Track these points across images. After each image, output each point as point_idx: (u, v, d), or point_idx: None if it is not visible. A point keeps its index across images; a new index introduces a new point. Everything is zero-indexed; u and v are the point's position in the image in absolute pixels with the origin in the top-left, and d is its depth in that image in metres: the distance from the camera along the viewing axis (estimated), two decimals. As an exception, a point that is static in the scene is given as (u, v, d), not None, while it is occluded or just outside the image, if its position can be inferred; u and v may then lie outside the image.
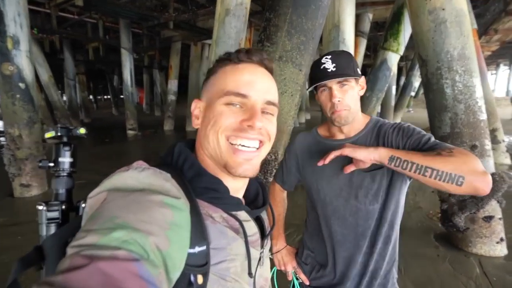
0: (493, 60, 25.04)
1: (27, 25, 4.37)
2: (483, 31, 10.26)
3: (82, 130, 0.68)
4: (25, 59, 4.33)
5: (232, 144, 0.55)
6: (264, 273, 0.65)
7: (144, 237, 0.36)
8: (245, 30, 3.94)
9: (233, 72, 0.57)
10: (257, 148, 0.57)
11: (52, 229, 0.58)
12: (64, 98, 15.43)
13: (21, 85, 4.31)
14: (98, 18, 11.13)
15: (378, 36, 10.91)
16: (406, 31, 6.01)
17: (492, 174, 2.73)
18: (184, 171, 0.55)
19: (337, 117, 0.97)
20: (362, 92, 1.02)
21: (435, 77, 2.90)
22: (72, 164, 0.65)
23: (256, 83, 0.56)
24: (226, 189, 0.56)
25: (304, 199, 1.22)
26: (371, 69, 6.51)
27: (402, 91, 12.61)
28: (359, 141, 1.02)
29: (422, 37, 2.94)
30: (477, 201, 2.68)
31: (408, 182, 1.00)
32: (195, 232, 0.47)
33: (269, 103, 0.57)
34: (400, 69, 16.47)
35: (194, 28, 10.66)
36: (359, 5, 6.87)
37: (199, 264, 0.47)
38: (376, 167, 0.96)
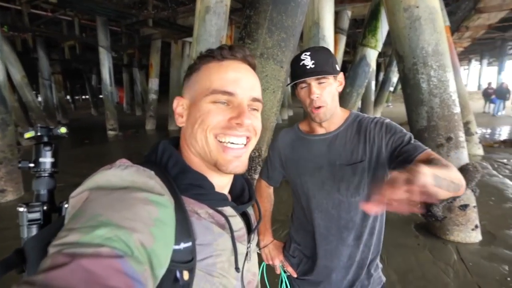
0: (465, 56, 26.08)
1: (-5, 22, 4.17)
2: (455, 28, 10.69)
3: (63, 130, 0.67)
4: (-6, 59, 4.14)
5: (220, 141, 0.55)
6: (252, 268, 0.66)
7: (128, 234, 0.35)
8: (226, 28, 3.93)
9: (217, 69, 0.56)
10: (245, 145, 0.58)
11: (34, 231, 0.58)
12: (39, 98, 14.80)
13: (-8, 86, 4.11)
14: (73, 15, 10.70)
15: (357, 33, 11.12)
16: (383, 28, 6.18)
17: (466, 165, 2.87)
18: (169, 168, 0.55)
19: (316, 116, 1.01)
20: (340, 88, 1.05)
21: (411, 72, 3.01)
22: (53, 164, 0.65)
23: (241, 81, 0.56)
24: (211, 185, 0.56)
25: (289, 195, 1.24)
26: (351, 65, 6.65)
27: (381, 86, 12.93)
28: (340, 135, 1.04)
29: (398, 33, 3.03)
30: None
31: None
32: (180, 228, 0.47)
33: (254, 99, 0.58)
34: (378, 65, 16.87)
35: (174, 26, 10.45)
36: (338, 3, 6.98)
37: (184, 260, 0.47)
38: (357, 160, 0.99)
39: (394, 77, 14.17)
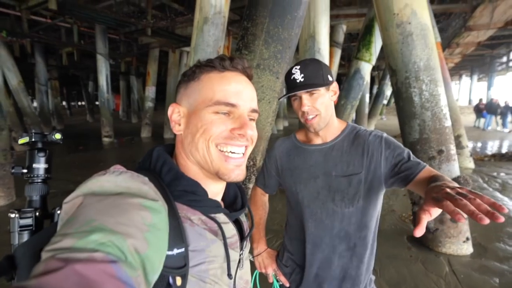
0: (456, 72, 26.69)
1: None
2: (446, 44, 11.00)
3: (58, 136, 0.66)
4: (-9, 64, 4.14)
5: (221, 151, 0.57)
6: (244, 276, 0.66)
7: (122, 239, 0.35)
8: (224, 38, 3.98)
9: (219, 80, 0.57)
10: (243, 154, 0.59)
11: (25, 237, 0.57)
12: (35, 104, 14.69)
13: (-13, 90, 4.10)
14: (72, 22, 10.76)
15: (351, 47, 11.36)
16: (377, 42, 6.31)
17: (458, 177, 2.91)
18: (163, 174, 0.56)
19: (310, 126, 1.03)
20: (335, 98, 1.06)
21: (404, 86, 3.07)
22: (47, 170, 0.64)
23: (243, 93, 0.58)
24: (204, 192, 0.57)
25: (283, 205, 1.25)
26: (346, 78, 6.75)
27: (375, 99, 13.10)
28: (336, 146, 1.06)
29: (391, 48, 3.11)
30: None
31: (385, 189, 1.03)
32: (173, 234, 0.47)
33: (253, 110, 0.59)
34: (372, 79, 17.15)
35: (172, 35, 10.57)
36: (333, 17, 7.15)
37: (177, 266, 0.47)
38: (353, 172, 1.01)
39: (388, 90, 14.36)
